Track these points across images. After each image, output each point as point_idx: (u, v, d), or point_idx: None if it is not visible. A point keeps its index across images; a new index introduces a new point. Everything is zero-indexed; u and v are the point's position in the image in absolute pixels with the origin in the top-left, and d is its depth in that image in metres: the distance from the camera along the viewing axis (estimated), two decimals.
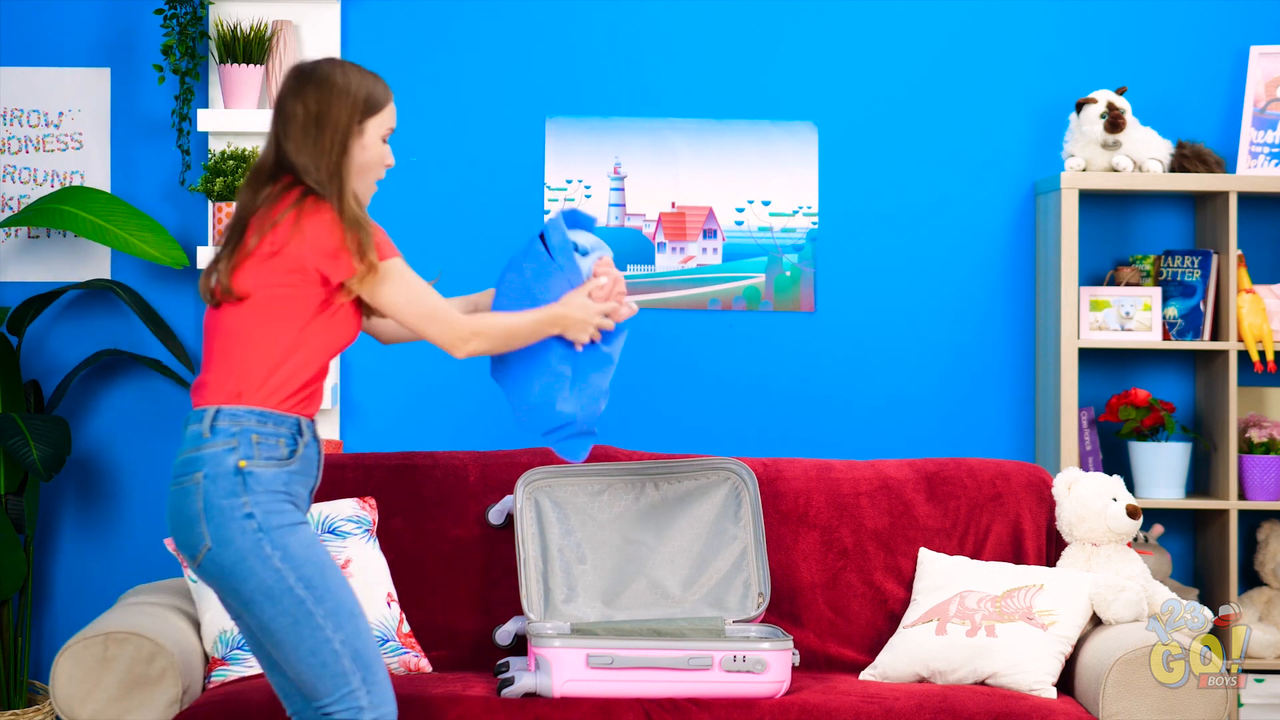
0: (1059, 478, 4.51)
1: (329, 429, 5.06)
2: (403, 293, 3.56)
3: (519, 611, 4.45)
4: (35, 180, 5.16)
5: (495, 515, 4.50)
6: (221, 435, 3.46)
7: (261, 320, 3.51)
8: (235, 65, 4.96)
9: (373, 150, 3.59)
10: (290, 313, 3.51)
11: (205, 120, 4.97)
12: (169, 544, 4.39)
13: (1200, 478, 5.21)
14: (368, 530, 4.43)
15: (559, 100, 5.19)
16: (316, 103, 3.55)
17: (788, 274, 5.19)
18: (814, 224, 5.19)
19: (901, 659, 4.30)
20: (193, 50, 4.99)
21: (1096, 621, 4.31)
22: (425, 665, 4.36)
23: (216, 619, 4.25)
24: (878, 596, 4.51)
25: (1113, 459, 5.21)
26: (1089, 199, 5.20)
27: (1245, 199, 5.16)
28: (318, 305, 3.53)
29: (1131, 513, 4.40)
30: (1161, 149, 5.04)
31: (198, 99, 5.12)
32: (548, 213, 5.16)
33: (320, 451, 3.59)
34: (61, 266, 5.16)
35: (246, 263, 3.52)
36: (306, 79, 3.57)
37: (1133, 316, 5.02)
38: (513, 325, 3.72)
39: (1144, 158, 5.02)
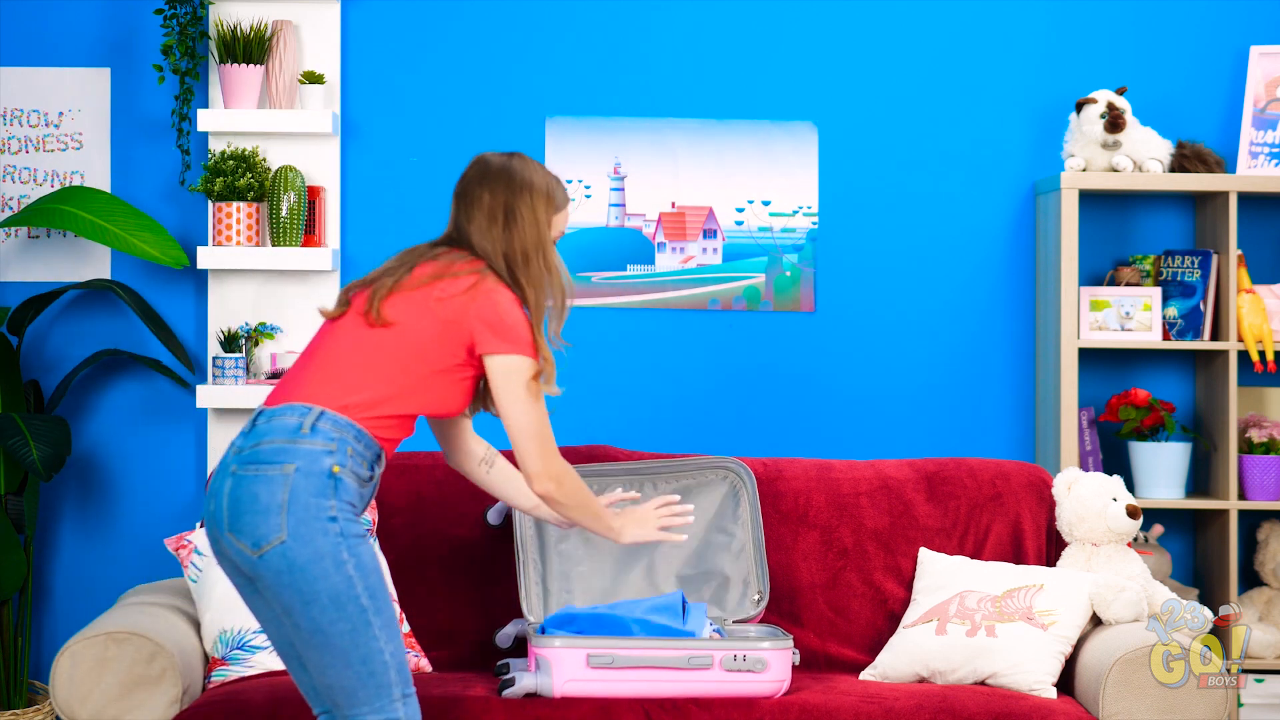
0: (1059, 478, 4.51)
1: None
2: (534, 403, 3.61)
3: (519, 611, 4.45)
4: (35, 180, 5.16)
5: (494, 515, 4.50)
6: (322, 436, 3.49)
7: (395, 352, 3.57)
8: (235, 65, 4.96)
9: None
10: (423, 357, 3.57)
11: (205, 120, 4.97)
12: (169, 543, 4.39)
13: (1200, 478, 5.21)
14: (367, 530, 4.42)
15: (559, 100, 5.18)
16: (506, 193, 3.66)
17: (788, 274, 5.19)
18: (814, 224, 5.19)
19: (901, 659, 4.30)
20: (193, 50, 4.99)
21: (1096, 621, 4.31)
22: (425, 665, 4.36)
23: (216, 619, 4.25)
24: (878, 596, 4.51)
25: (1113, 459, 5.21)
26: (1089, 199, 5.20)
27: (1245, 199, 5.16)
28: (449, 366, 3.60)
29: (1131, 513, 4.40)
30: (1161, 149, 5.04)
31: (198, 99, 5.12)
32: None
33: (376, 488, 3.65)
34: (61, 266, 5.16)
35: (406, 294, 3.59)
36: (500, 171, 3.69)
37: (1133, 316, 5.01)
38: (590, 497, 3.76)
39: (1144, 158, 5.02)
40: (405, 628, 4.36)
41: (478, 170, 3.71)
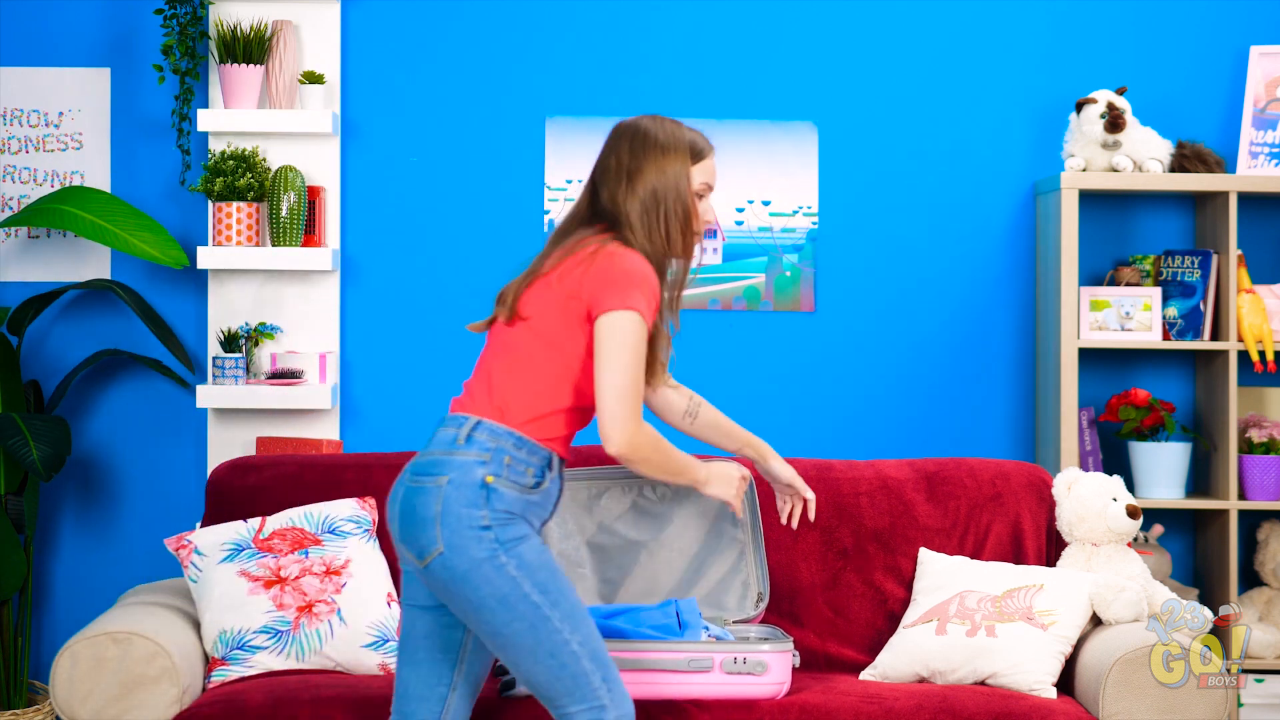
0: (1059, 478, 4.51)
1: (329, 429, 5.06)
2: (630, 364, 3.48)
3: None
4: (35, 180, 5.16)
5: None
6: (476, 447, 3.47)
7: (532, 347, 3.53)
8: (235, 65, 4.96)
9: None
10: (558, 345, 3.52)
11: (205, 120, 4.97)
12: (169, 543, 4.39)
13: (1200, 478, 5.21)
14: (367, 530, 4.43)
15: (559, 100, 5.19)
16: (630, 154, 3.58)
17: (788, 274, 5.19)
18: (814, 224, 5.19)
19: (901, 659, 4.30)
20: (193, 50, 4.99)
21: (1096, 621, 4.31)
22: None
23: (216, 619, 4.25)
24: (878, 596, 4.51)
25: (1113, 459, 5.21)
26: (1089, 199, 5.20)
27: (1245, 199, 5.16)
28: (588, 349, 3.53)
29: (1131, 513, 4.40)
30: (1161, 149, 5.04)
31: (198, 99, 5.12)
32: (547, 213, 5.16)
33: (562, 490, 3.59)
34: (61, 266, 5.16)
35: (537, 283, 3.55)
36: (625, 131, 3.61)
37: (1133, 316, 5.01)
38: (668, 456, 3.61)
39: (1144, 158, 5.02)
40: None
41: (609, 136, 3.64)
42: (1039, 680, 4.14)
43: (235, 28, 4.98)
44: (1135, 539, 4.97)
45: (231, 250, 4.94)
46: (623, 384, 3.47)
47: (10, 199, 5.17)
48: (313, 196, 5.04)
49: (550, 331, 3.52)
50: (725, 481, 3.81)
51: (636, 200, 3.56)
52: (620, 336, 3.47)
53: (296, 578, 4.29)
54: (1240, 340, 4.99)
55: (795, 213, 5.19)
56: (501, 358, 3.55)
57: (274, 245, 4.98)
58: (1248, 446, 5.04)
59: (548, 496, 3.55)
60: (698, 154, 3.61)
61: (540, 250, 3.64)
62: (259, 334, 5.04)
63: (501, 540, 3.44)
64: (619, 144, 3.61)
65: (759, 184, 5.18)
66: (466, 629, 3.60)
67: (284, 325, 5.08)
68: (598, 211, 3.62)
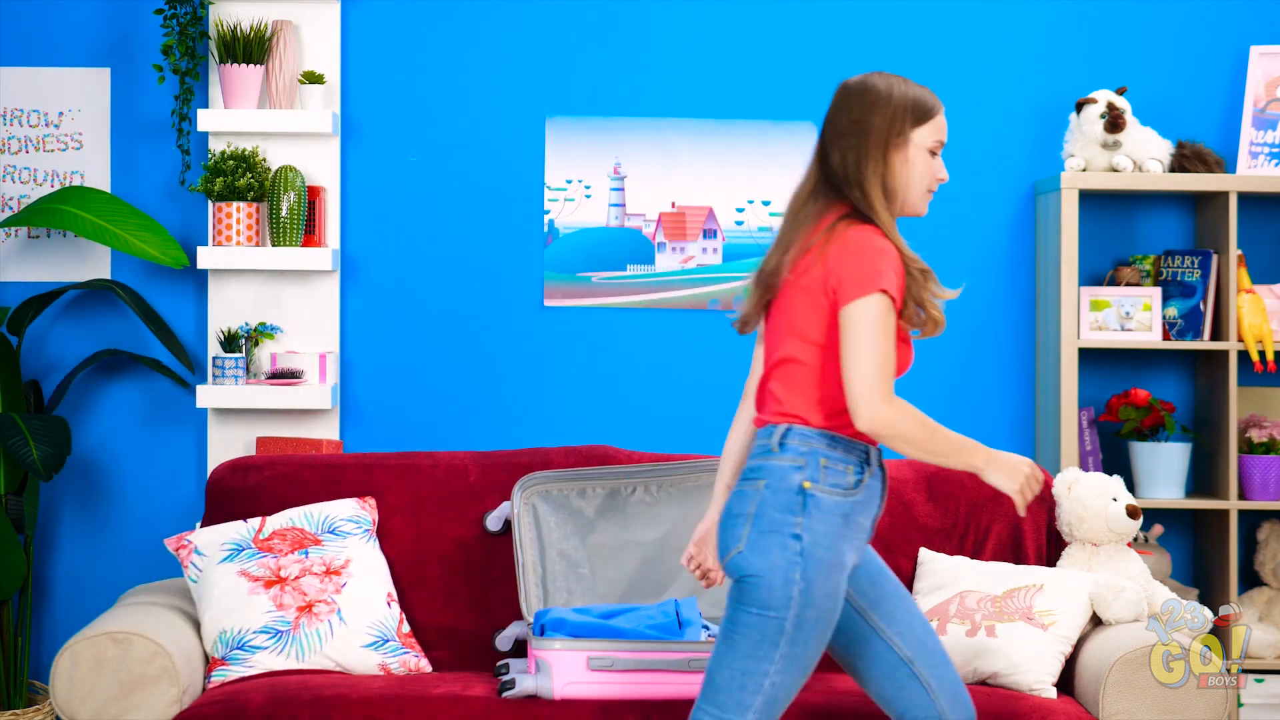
0: (1059, 478, 4.51)
1: (329, 429, 5.06)
2: (870, 336, 3.37)
3: (519, 612, 4.45)
4: (35, 180, 5.16)
5: (493, 522, 4.49)
6: (790, 452, 3.41)
7: (801, 349, 3.45)
8: (235, 65, 4.96)
9: (918, 162, 3.52)
10: (826, 343, 3.44)
11: (205, 120, 4.97)
12: (169, 543, 4.39)
13: (1200, 478, 5.21)
14: (368, 530, 4.43)
15: (559, 100, 5.19)
16: (860, 110, 3.50)
17: None
18: None
19: None
20: (193, 50, 4.99)
21: (1096, 621, 4.31)
22: (425, 665, 4.36)
23: (216, 619, 4.25)
24: None
25: (1113, 459, 5.21)
26: (1089, 199, 5.20)
27: (1245, 199, 5.16)
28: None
29: (1131, 513, 4.40)
30: (1161, 149, 5.04)
31: (198, 99, 5.12)
32: (547, 212, 5.16)
33: (885, 483, 3.51)
34: (61, 266, 5.16)
35: (784, 285, 3.49)
36: (849, 90, 3.52)
37: (1133, 316, 5.01)
38: (930, 437, 3.39)
39: (1144, 158, 5.02)
40: (405, 627, 4.36)
41: (836, 94, 3.54)
42: (1039, 680, 4.14)
43: (235, 28, 4.98)
44: (1135, 539, 4.97)
45: (231, 250, 4.94)
46: (870, 362, 3.35)
47: (10, 199, 5.17)
48: (313, 196, 5.04)
49: (812, 332, 3.44)
50: (1010, 472, 3.41)
51: (866, 159, 3.48)
52: (867, 325, 3.37)
53: (296, 578, 4.29)
54: (1240, 340, 4.99)
55: None
56: (778, 369, 3.48)
57: (274, 245, 4.98)
58: (1248, 446, 5.04)
59: (871, 493, 3.47)
60: (927, 112, 3.51)
61: (773, 245, 3.53)
62: (259, 334, 5.04)
63: (807, 556, 3.37)
64: (847, 102, 3.52)
65: (759, 184, 5.18)
66: (858, 613, 3.55)
67: (284, 325, 5.08)
68: (828, 176, 3.53)
